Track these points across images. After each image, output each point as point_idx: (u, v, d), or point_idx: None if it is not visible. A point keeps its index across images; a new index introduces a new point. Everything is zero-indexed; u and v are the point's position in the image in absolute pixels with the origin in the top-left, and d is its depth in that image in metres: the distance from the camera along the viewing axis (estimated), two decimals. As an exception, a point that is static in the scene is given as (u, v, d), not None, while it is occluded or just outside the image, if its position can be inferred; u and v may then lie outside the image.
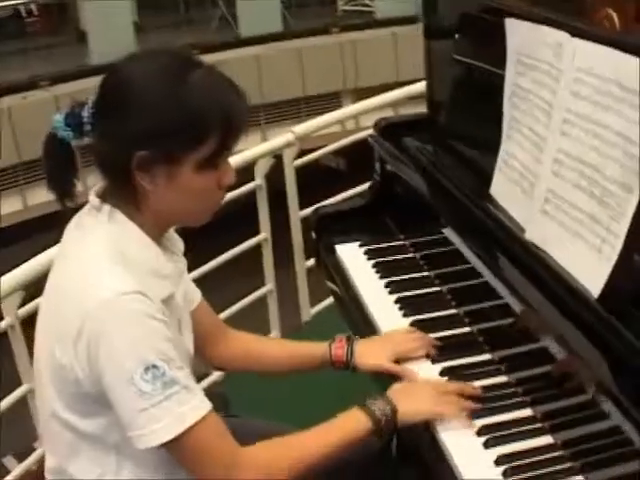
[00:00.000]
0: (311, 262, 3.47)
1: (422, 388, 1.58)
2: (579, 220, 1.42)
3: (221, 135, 1.35)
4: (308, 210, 3.36)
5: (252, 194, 3.31)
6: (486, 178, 1.81)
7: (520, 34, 1.64)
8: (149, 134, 1.32)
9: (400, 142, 2.23)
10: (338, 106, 7.63)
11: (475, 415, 1.53)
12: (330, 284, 2.30)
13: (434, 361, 1.72)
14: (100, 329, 1.30)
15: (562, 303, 1.41)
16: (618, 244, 1.32)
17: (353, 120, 7.21)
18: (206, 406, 1.37)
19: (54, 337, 1.37)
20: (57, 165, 1.42)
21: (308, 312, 3.62)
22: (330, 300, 3.57)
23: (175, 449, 1.36)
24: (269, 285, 3.46)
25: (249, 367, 1.81)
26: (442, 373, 1.68)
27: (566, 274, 1.44)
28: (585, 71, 1.43)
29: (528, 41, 1.61)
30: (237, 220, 3.69)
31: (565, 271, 1.44)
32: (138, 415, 1.32)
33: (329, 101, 8.18)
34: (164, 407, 1.31)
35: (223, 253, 3.23)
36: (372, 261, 2.14)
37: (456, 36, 2.07)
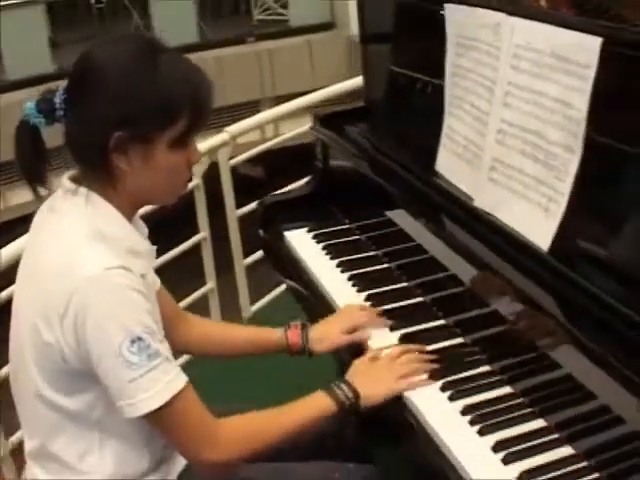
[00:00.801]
0: (250, 260, 3.55)
1: (380, 367, 1.66)
2: (525, 183, 1.53)
3: (191, 114, 1.43)
4: (245, 209, 3.45)
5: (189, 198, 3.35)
6: (429, 156, 1.91)
7: (458, 18, 1.76)
8: (126, 116, 1.38)
9: (341, 130, 2.32)
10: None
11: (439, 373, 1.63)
12: (280, 276, 2.39)
13: (392, 329, 1.82)
14: (87, 303, 1.35)
15: (516, 260, 1.52)
16: (563, 201, 1.44)
17: (272, 127, 7.35)
18: (185, 377, 1.45)
19: (38, 317, 1.41)
20: (28, 151, 1.46)
21: (248, 310, 3.68)
22: (270, 297, 3.66)
23: (160, 418, 1.42)
24: (210, 284, 3.51)
25: (208, 351, 1.88)
26: (401, 340, 1.78)
27: (517, 234, 1.55)
28: (523, 46, 1.55)
29: (467, 24, 1.73)
30: (176, 227, 3.72)
31: (515, 231, 1.55)
32: (127, 385, 1.38)
33: (248, 110, 8.22)
34: (151, 377, 1.38)
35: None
36: (321, 244, 2.22)
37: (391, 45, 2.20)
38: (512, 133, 1.57)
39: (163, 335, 1.47)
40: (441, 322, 1.82)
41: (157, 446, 1.56)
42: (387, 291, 1.97)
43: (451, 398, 1.56)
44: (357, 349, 1.80)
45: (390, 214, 2.09)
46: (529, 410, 1.50)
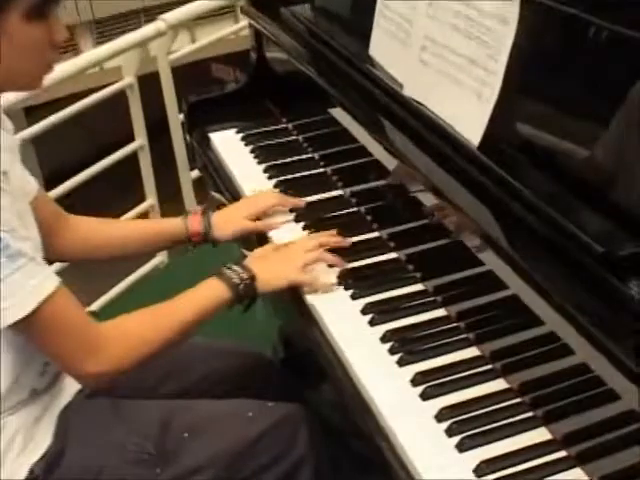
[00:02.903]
0: (198, 173, 3.47)
1: (282, 252, 1.67)
2: (457, 64, 1.45)
3: None
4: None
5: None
6: (367, 41, 1.81)
7: None
8: None
9: (276, 14, 2.22)
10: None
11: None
12: (210, 188, 2.32)
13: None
14: None
15: (445, 159, 1.45)
16: (497, 84, 1.36)
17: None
18: (56, 279, 1.38)
19: None
20: None
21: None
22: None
23: (30, 327, 1.36)
24: (150, 200, 3.43)
25: (98, 254, 1.83)
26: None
27: (448, 127, 1.47)
28: None
29: None
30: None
31: (447, 124, 1.48)
32: None
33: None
34: (14, 281, 1.31)
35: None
36: (250, 146, 2.16)
37: None
38: (444, 5, 1.48)
39: (28, 234, 1.41)
40: (375, 235, 1.76)
41: (33, 373, 1.51)
42: (317, 201, 1.91)
43: (372, 322, 1.51)
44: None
45: (334, 112, 2.01)
46: (458, 337, 1.46)
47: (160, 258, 3.48)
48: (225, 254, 2.37)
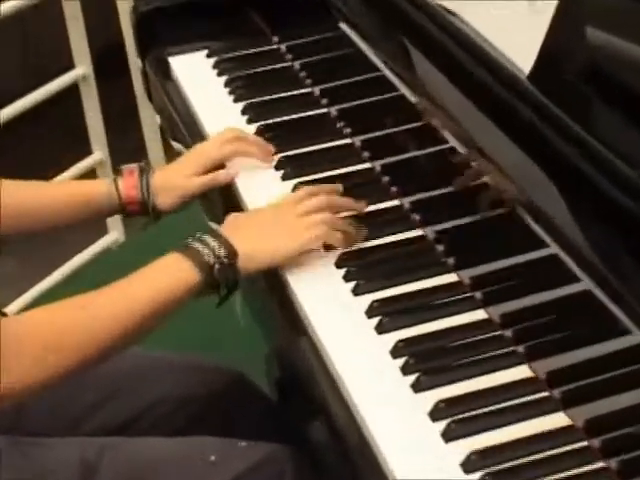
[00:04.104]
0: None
1: (272, 213, 1.66)
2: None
3: None
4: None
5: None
6: None
7: None
8: None
9: None
10: None
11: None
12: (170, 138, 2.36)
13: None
14: None
15: (483, 92, 1.48)
16: None
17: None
18: None
19: None
20: None
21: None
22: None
23: None
24: (98, 153, 3.45)
25: (20, 227, 1.82)
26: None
27: (489, 48, 1.49)
28: None
29: None
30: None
31: (488, 43, 1.50)
32: None
33: None
34: None
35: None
36: (225, 77, 2.17)
37: None
38: None
39: None
40: (395, 202, 1.76)
41: None
42: (314, 152, 1.91)
43: (379, 329, 1.49)
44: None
45: (346, 27, 2.06)
46: (501, 352, 1.44)
47: (114, 235, 3.52)
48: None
